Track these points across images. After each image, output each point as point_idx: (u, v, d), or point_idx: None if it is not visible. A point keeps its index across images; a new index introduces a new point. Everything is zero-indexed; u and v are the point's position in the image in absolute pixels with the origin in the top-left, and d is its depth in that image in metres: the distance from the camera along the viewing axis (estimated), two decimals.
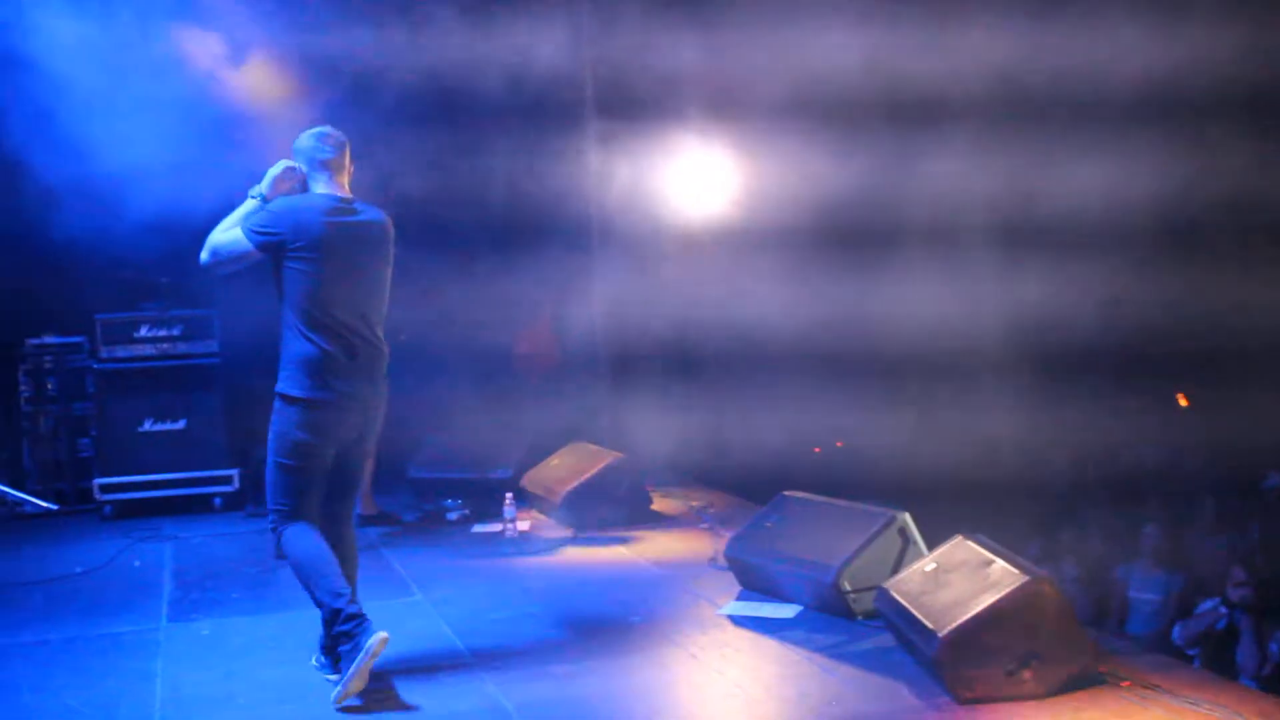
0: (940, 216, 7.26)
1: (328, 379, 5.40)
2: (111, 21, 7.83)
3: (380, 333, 5.59)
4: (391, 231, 5.69)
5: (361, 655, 5.20)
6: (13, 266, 8.72)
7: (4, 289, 9.26)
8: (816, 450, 8.45)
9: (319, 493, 5.60)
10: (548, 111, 9.57)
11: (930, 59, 7.25)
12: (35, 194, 8.36)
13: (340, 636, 5.32)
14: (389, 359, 5.66)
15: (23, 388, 9.47)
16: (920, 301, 7.46)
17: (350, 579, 5.59)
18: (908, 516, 6.27)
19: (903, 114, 7.47)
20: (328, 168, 5.56)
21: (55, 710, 5.43)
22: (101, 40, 7.75)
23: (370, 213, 5.61)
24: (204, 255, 5.55)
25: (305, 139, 5.62)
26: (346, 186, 5.62)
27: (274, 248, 5.39)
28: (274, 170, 5.61)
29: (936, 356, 7.30)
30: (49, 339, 9.51)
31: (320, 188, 5.56)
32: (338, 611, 5.31)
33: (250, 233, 5.40)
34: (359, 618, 5.29)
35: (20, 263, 8.63)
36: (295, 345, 5.43)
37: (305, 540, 5.50)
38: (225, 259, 5.50)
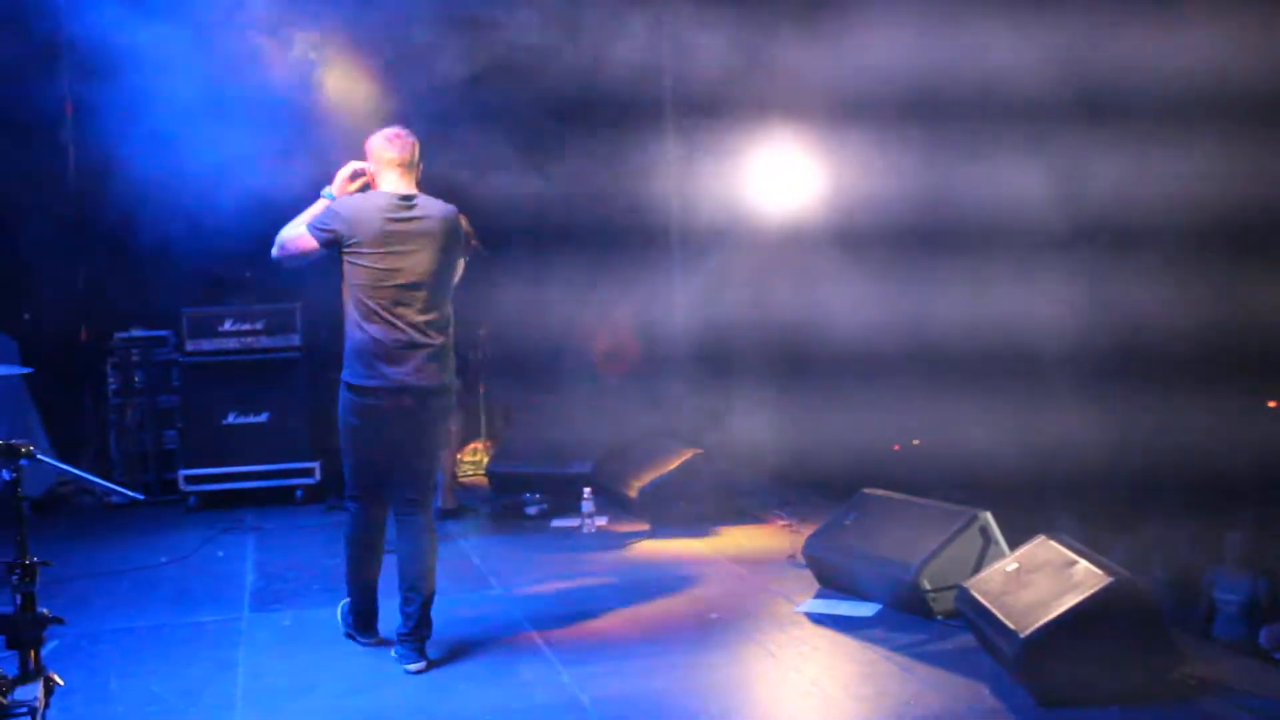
0: (1023, 215, 7.15)
1: (380, 367, 5.66)
2: (199, 21, 7.95)
3: (439, 325, 5.77)
4: (457, 226, 5.87)
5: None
6: (102, 262, 8.88)
7: (94, 284, 9.44)
8: (895, 448, 8.37)
9: (384, 478, 5.87)
10: (628, 110, 9.56)
11: (1017, 57, 7.15)
12: (124, 192, 8.52)
13: (349, 627, 6.04)
14: (453, 351, 5.86)
15: (111, 380, 9.62)
16: (1002, 300, 7.36)
17: (409, 571, 5.83)
18: (989, 515, 6.19)
19: (989, 112, 7.38)
20: (395, 166, 5.78)
21: (141, 696, 5.51)
22: (189, 40, 7.87)
23: (432, 209, 5.78)
24: (274, 250, 5.87)
25: (375, 139, 5.85)
26: (413, 184, 5.82)
27: (334, 243, 5.67)
28: (343, 171, 5.93)
29: (1019, 354, 7.20)
30: (136, 332, 9.64)
31: (387, 186, 5.78)
32: (352, 605, 6.02)
33: (313, 229, 5.71)
34: (359, 626, 6.02)
35: (109, 258, 8.78)
36: (353, 335, 5.73)
37: (355, 526, 5.99)
38: (292, 254, 5.81)
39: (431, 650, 5.84)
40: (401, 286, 5.67)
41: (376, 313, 5.65)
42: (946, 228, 7.74)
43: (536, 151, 8.17)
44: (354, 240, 5.62)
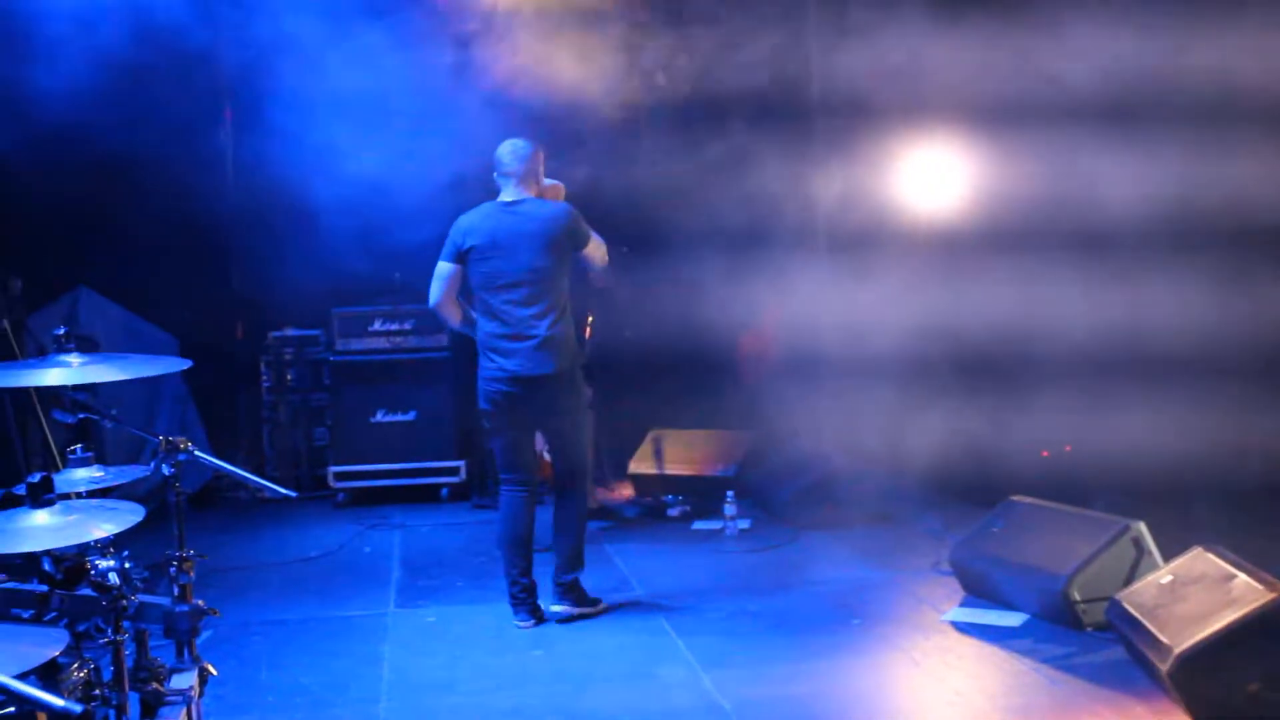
0: (1173, 218, 6.94)
1: (498, 360, 6.33)
2: (358, 20, 8.10)
3: (547, 318, 6.28)
4: (562, 227, 6.33)
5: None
6: (257, 262, 9.09)
7: (249, 284, 9.67)
8: (1045, 454, 8.17)
9: (521, 459, 6.50)
10: (773, 110, 9.50)
11: (1171, 60, 6.96)
12: (279, 194, 8.71)
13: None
14: (571, 342, 6.38)
15: (264, 378, 9.85)
16: (1155, 304, 7.14)
17: (560, 548, 6.54)
18: (1143, 526, 6.02)
19: (1142, 114, 7.17)
20: (509, 175, 6.37)
21: (290, 687, 5.65)
22: (347, 40, 8.02)
23: (536, 211, 6.33)
24: (430, 297, 6.53)
25: (498, 151, 6.42)
26: (527, 189, 6.37)
27: (458, 255, 6.39)
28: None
29: (1174, 358, 6.97)
30: (289, 331, 9.86)
31: (504, 195, 6.39)
32: (511, 583, 6.47)
33: (442, 255, 6.45)
34: (522, 599, 6.44)
35: (263, 259, 8.97)
36: (478, 331, 6.44)
37: (503, 509, 6.54)
38: (441, 287, 6.46)
39: (572, 652, 5.95)
40: (509, 284, 6.28)
41: (491, 309, 6.33)
42: (1099, 230, 7.54)
43: (681, 153, 8.15)
44: (468, 247, 6.33)
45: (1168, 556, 5.71)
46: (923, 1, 8.21)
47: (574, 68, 8.10)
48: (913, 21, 8.17)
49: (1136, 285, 7.26)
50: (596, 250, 6.53)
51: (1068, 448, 8.03)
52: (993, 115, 8.08)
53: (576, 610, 6.50)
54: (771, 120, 9.43)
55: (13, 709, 2.82)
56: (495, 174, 6.43)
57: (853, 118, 9.28)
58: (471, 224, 6.35)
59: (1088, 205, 7.48)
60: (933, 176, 9.04)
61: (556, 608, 6.50)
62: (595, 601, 6.61)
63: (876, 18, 8.40)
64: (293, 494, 5.12)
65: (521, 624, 6.40)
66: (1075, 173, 7.51)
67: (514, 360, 6.28)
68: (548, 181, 6.54)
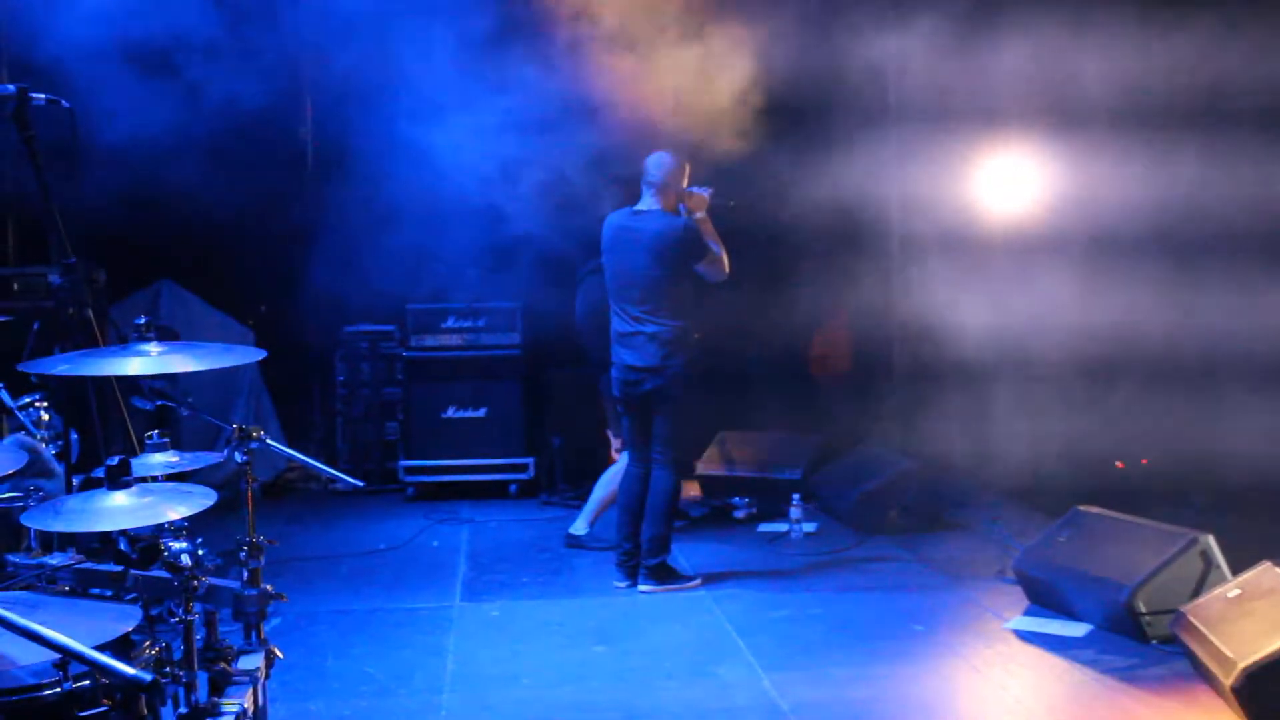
0: (1256, 223, 6.84)
1: (617, 350, 7.09)
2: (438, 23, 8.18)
3: (657, 315, 6.89)
4: (675, 236, 6.88)
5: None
6: (333, 258, 9.20)
7: (326, 279, 9.79)
8: (1120, 465, 8.09)
9: (639, 437, 7.14)
10: (850, 113, 9.48)
11: (1254, 64, 6.87)
12: (357, 190, 8.83)
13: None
14: (680, 340, 6.89)
15: (338, 372, 9.97)
16: (1238, 310, 7.04)
17: (646, 533, 7.06)
18: (1211, 539, 5.96)
19: (1225, 119, 7.09)
20: (648, 184, 7.01)
21: (355, 676, 5.74)
22: (427, 42, 8.11)
23: (653, 222, 6.93)
24: None
25: (646, 160, 7.04)
26: (657, 198, 6.96)
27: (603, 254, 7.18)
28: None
29: (1255, 367, 6.88)
30: (364, 326, 9.98)
31: (640, 204, 7.03)
32: (617, 547, 7.18)
33: None
34: (623, 563, 7.12)
35: (340, 254, 9.09)
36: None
37: (621, 477, 7.32)
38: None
39: (634, 649, 6.00)
40: (625, 285, 7.00)
41: (612, 305, 7.08)
42: (1179, 235, 7.44)
43: (757, 157, 8.14)
44: (604, 247, 7.13)
45: (1237, 570, 5.65)
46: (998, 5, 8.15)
47: (658, 74, 8.14)
48: (985, 26, 8.13)
49: (1228, 292, 7.17)
50: (712, 265, 7.02)
51: (1144, 460, 7.95)
52: (1066, 118, 8.02)
53: (661, 588, 6.99)
54: (849, 121, 9.41)
55: (87, 680, 2.91)
56: (641, 181, 7.02)
57: (927, 120, 9.24)
58: (607, 224, 7.13)
59: (1166, 210, 7.39)
60: (1006, 179, 8.98)
61: (644, 587, 7.01)
62: (688, 578, 7.15)
63: (948, 20, 8.37)
64: (362, 485, 5.20)
65: (617, 583, 7.09)
66: (1150, 177, 7.42)
67: (628, 352, 7.00)
68: (695, 190, 7.05)
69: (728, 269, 7.08)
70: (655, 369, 6.90)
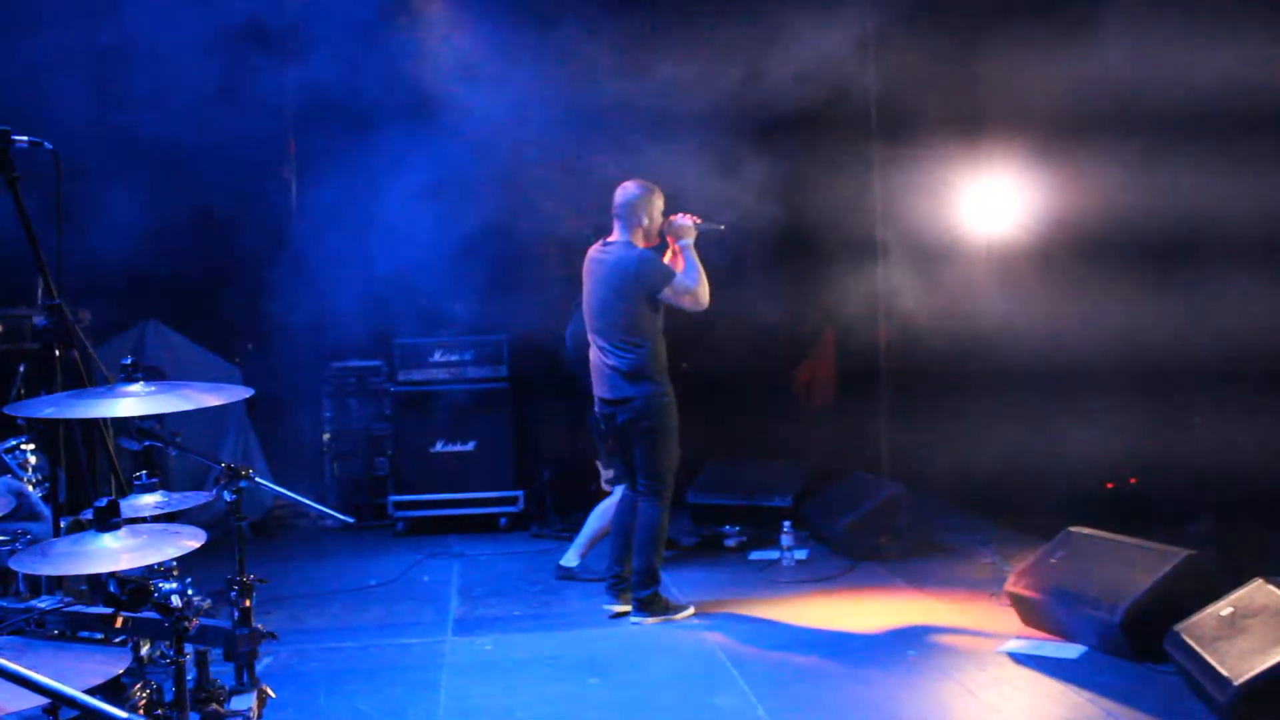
0: (1245, 231, 6.83)
1: (594, 382, 7.06)
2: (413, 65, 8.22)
3: (622, 346, 6.85)
4: (629, 268, 6.81)
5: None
6: (319, 295, 9.20)
7: (312, 316, 9.78)
8: (1110, 485, 8.08)
9: (625, 470, 7.18)
10: (832, 129, 9.51)
11: (1228, 70, 6.87)
12: (340, 227, 8.84)
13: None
14: (647, 370, 6.83)
15: (325, 408, 9.96)
16: (1230, 316, 7.01)
17: (634, 565, 7.05)
18: (1203, 556, 5.96)
19: (1213, 126, 7.08)
20: (615, 217, 6.97)
21: (348, 713, 5.70)
22: (403, 83, 8.14)
23: (616, 253, 6.89)
24: None
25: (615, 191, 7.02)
26: (628, 231, 6.91)
27: None
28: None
29: (1248, 379, 6.86)
30: (351, 362, 9.98)
31: (611, 235, 6.99)
32: (607, 569, 7.25)
33: None
34: (612, 586, 7.17)
35: (326, 290, 9.09)
36: None
37: (616, 505, 7.35)
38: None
39: (628, 681, 5.97)
40: (593, 317, 6.99)
41: (589, 338, 7.05)
42: (1166, 243, 7.42)
43: (740, 172, 8.15)
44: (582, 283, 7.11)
45: (1230, 587, 5.64)
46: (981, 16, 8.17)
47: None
48: (972, 37, 8.16)
49: (1208, 299, 7.16)
50: (683, 296, 6.86)
51: (1133, 480, 7.95)
52: (1054, 129, 8.03)
53: (654, 619, 6.96)
54: (830, 137, 9.44)
55: None
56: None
57: (912, 133, 9.26)
58: (586, 258, 7.10)
59: (1152, 218, 7.38)
60: (991, 190, 8.99)
61: (635, 619, 6.98)
62: (680, 608, 7.09)
63: (936, 32, 8.40)
64: (351, 520, 5.19)
65: (606, 607, 7.14)
66: (1136, 184, 7.41)
67: (599, 385, 7.02)
68: (678, 219, 6.99)
69: (706, 300, 6.91)
70: (621, 401, 6.90)
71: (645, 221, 6.91)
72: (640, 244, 6.92)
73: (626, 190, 6.93)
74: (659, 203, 6.98)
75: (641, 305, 6.83)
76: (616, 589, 7.15)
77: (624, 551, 7.14)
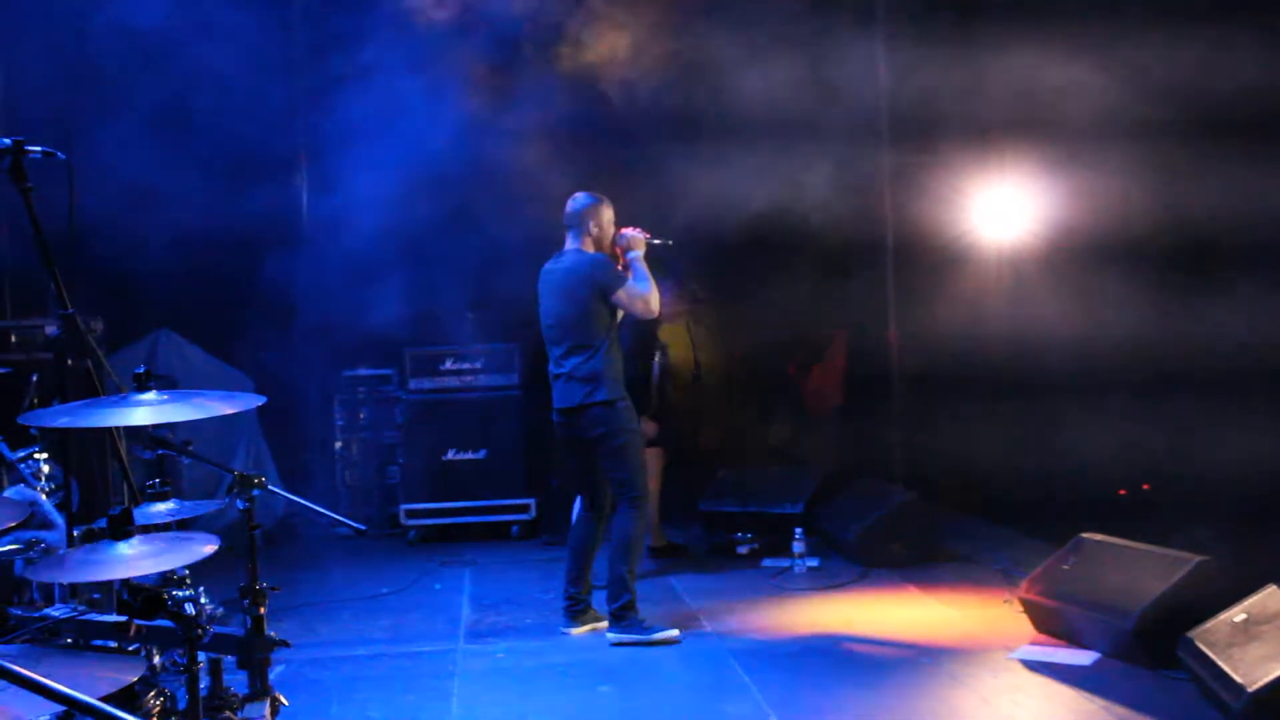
0: (1259, 237, 6.80)
1: (553, 393, 6.94)
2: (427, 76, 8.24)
3: (575, 354, 6.80)
4: (582, 272, 6.80)
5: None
6: (330, 303, 9.22)
7: (323, 324, 9.79)
8: (1122, 492, 8.04)
9: (585, 485, 7.02)
10: (844, 134, 9.50)
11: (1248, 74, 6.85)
12: (352, 235, 8.85)
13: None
14: (601, 377, 6.74)
15: (337, 417, 9.97)
16: (1244, 324, 6.98)
17: (607, 577, 6.91)
18: (1216, 563, 5.94)
19: (1228, 130, 7.05)
20: (568, 227, 6.98)
21: None
22: (415, 93, 8.16)
23: (569, 260, 6.89)
24: None
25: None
26: (579, 240, 6.91)
27: None
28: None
29: (1260, 383, 6.82)
30: (362, 370, 9.99)
31: (565, 246, 6.97)
32: (563, 592, 7.08)
33: None
34: (568, 609, 7.03)
35: (337, 299, 9.10)
36: None
37: (574, 522, 7.15)
38: None
39: (640, 689, 5.99)
40: (548, 326, 6.95)
41: (548, 352, 6.98)
42: (1179, 249, 7.39)
43: (747, 177, 8.15)
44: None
45: (1243, 593, 5.63)
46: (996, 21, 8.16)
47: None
48: (986, 41, 8.15)
49: (1218, 305, 7.13)
50: (634, 300, 6.81)
51: (1145, 486, 7.92)
52: (1066, 134, 8.01)
53: (630, 638, 6.75)
54: (842, 142, 9.43)
55: None
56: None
57: (924, 138, 9.25)
58: (540, 274, 7.03)
59: (1165, 223, 7.35)
60: (1004, 194, 8.97)
61: (611, 636, 6.83)
62: (649, 629, 6.79)
63: (949, 37, 8.40)
64: (363, 528, 5.20)
65: (563, 629, 7.02)
66: (1150, 189, 7.39)
67: (556, 394, 6.91)
68: (628, 232, 6.98)
69: (657, 307, 6.91)
70: (578, 408, 6.79)
71: (595, 230, 6.91)
72: (591, 250, 6.91)
73: (576, 200, 6.95)
74: (608, 213, 6.97)
75: (596, 306, 6.78)
76: (573, 611, 7.01)
77: (581, 572, 7.02)
